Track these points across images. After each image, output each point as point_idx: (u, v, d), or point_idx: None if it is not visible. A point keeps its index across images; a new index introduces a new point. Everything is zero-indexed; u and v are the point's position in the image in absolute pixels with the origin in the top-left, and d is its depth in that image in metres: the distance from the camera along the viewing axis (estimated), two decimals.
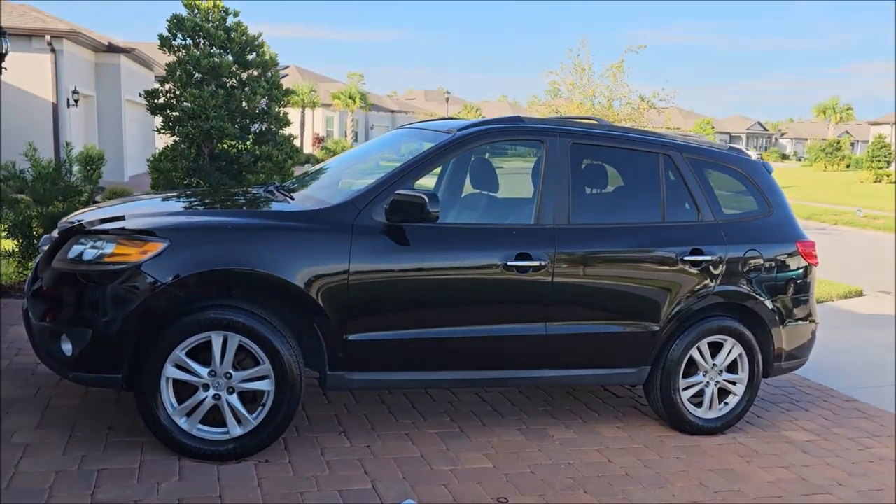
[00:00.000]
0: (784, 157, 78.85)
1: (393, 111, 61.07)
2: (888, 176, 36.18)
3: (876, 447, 4.50)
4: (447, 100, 53.46)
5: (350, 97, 49.25)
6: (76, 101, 17.28)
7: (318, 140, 45.57)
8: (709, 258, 4.25)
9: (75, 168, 6.60)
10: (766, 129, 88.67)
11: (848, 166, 48.06)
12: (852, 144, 67.52)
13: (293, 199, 4.09)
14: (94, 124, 19.60)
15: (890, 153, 38.74)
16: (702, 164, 4.46)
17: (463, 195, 4.89)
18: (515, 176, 5.74)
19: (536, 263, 3.88)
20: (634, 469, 3.88)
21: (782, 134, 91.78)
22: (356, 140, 52.30)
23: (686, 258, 4.21)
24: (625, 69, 13.80)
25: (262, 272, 3.43)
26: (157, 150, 7.43)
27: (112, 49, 19.66)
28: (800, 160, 71.90)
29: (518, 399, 4.77)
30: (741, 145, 78.87)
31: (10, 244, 6.63)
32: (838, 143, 51.71)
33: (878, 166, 37.76)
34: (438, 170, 4.84)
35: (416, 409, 4.43)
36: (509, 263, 3.84)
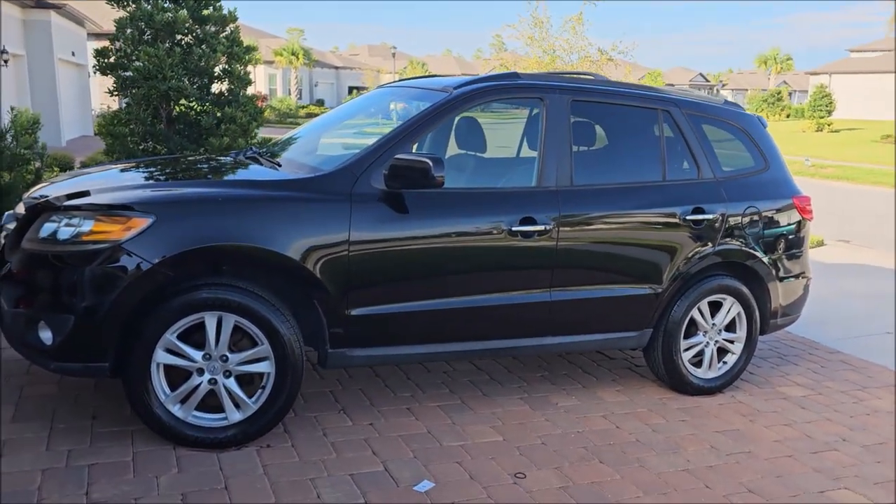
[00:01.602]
0: None
1: (337, 67, 59.62)
2: (829, 125, 37.08)
3: (869, 399, 4.54)
4: (394, 55, 52.40)
5: (293, 53, 47.84)
6: (5, 62, 16.20)
7: (263, 99, 44.25)
8: (710, 217, 4.16)
9: (10, 136, 6.09)
10: (707, 81, 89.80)
11: (788, 116, 49.11)
12: (790, 94, 68.95)
13: (280, 165, 3.82)
14: (26, 86, 18.45)
15: (831, 102, 39.63)
16: (699, 119, 4.33)
17: (448, 156, 4.66)
18: (490, 132, 5.52)
19: (541, 228, 3.72)
20: (644, 435, 3.81)
21: (723, 85, 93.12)
22: (300, 98, 50.97)
23: (688, 217, 4.10)
24: (584, 22, 13.55)
25: (257, 247, 3.17)
26: (95, 113, 6.94)
27: (41, 4, 18.44)
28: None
29: (514, 366, 4.65)
30: None
31: None
32: (779, 93, 52.71)
33: (819, 115, 38.61)
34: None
35: (411, 381, 4.28)
36: (514, 228, 3.67)
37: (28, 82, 18.51)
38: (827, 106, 39.38)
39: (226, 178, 3.86)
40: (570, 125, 3.94)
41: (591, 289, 3.95)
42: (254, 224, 3.18)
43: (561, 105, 3.93)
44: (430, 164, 3.32)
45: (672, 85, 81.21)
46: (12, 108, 5.85)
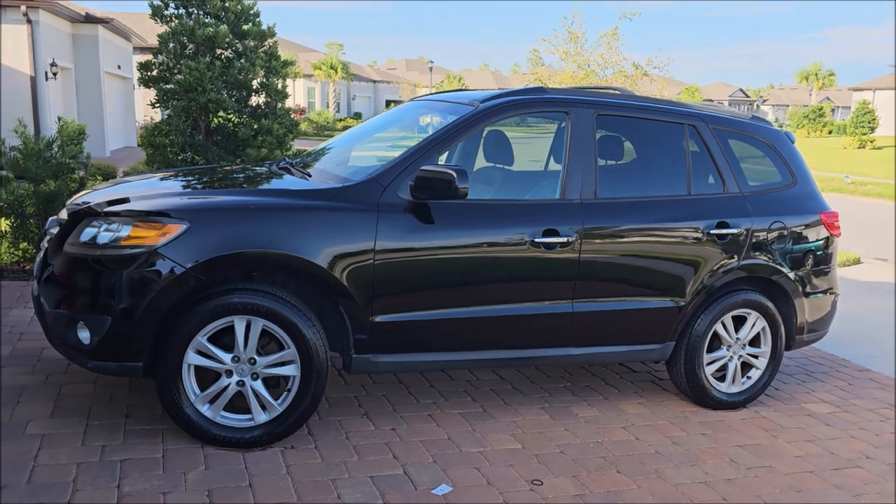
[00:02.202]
0: None
1: (375, 81, 60.34)
2: (871, 142, 36.37)
3: None
4: (430, 69, 52.83)
5: (331, 67, 48.57)
6: (55, 74, 16.79)
7: (301, 112, 44.96)
8: (734, 231, 4.17)
9: (56, 145, 6.34)
10: (748, 96, 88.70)
11: (830, 132, 48.27)
12: (833, 110, 67.76)
13: (310, 176, 3.94)
14: (73, 98, 19.10)
15: (874, 119, 38.88)
16: (726, 134, 4.36)
17: (476, 168, 4.76)
18: (518, 146, 5.60)
19: (564, 240, 3.78)
20: (663, 447, 3.83)
21: (764, 101, 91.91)
22: (338, 111, 51.69)
23: (712, 231, 4.12)
24: (619, 37, 13.59)
25: (286, 254, 3.29)
26: (139, 125, 7.20)
27: (90, 19, 19.10)
28: (781, 126, 72.08)
29: (537, 376, 4.70)
30: None
31: (2, 224, 6.42)
32: (821, 109, 51.85)
33: (861, 132, 37.90)
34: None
35: (434, 389, 4.35)
36: (536, 240, 3.73)
37: (75, 94, 19.15)
38: (870, 122, 38.64)
39: (258, 187, 4.00)
40: (595, 139, 4.00)
41: (614, 301, 3.99)
42: (283, 232, 3.30)
43: (586, 119, 4.00)
44: (455, 175, 3.41)
45: (711, 101, 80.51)
46: (59, 119, 6.09)
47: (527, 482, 3.33)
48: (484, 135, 4.67)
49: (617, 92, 4.51)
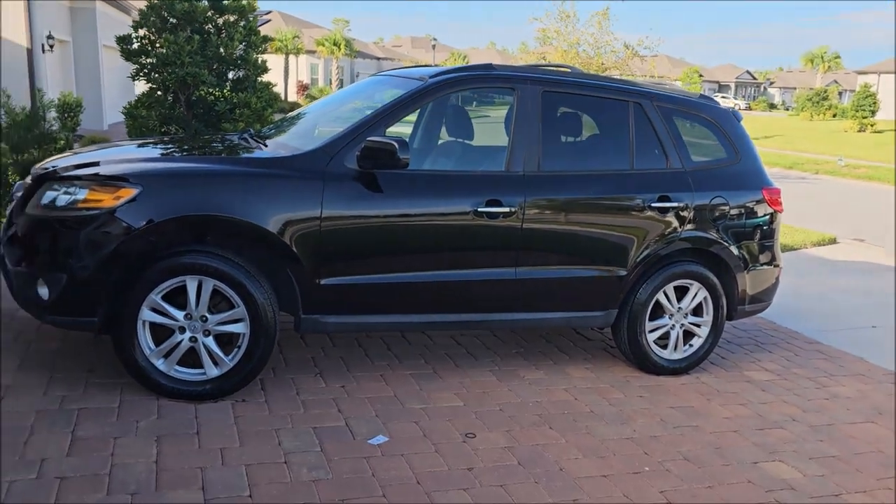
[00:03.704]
0: (772, 106, 78.67)
1: (379, 58, 60.15)
2: (872, 125, 36.28)
3: (832, 386, 4.69)
4: (434, 47, 52.68)
5: (335, 44, 48.37)
6: (51, 47, 16.90)
7: (303, 88, 44.94)
8: (676, 205, 4.35)
9: (51, 115, 6.56)
10: (754, 79, 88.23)
11: (834, 116, 48.06)
12: (840, 94, 67.34)
13: (266, 146, 4.13)
14: (71, 71, 19.22)
15: (875, 102, 38.73)
16: (671, 112, 4.52)
17: (439, 143, 4.94)
18: (496, 124, 5.77)
19: (506, 209, 3.96)
20: (599, 407, 4.04)
21: (771, 83, 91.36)
22: (341, 87, 51.60)
23: (653, 205, 4.30)
24: (610, 17, 13.66)
25: (234, 218, 3.49)
26: (135, 98, 7.37)
27: None
28: (787, 110, 71.76)
29: (492, 342, 4.91)
30: (730, 94, 78.55)
31: None
32: (825, 92, 51.57)
33: (862, 115, 37.77)
34: (414, 118, 4.87)
35: (391, 352, 4.56)
36: (479, 209, 3.92)
37: (73, 67, 19.27)
38: (870, 106, 38.49)
39: (215, 155, 4.19)
40: (541, 115, 4.17)
41: (556, 268, 4.18)
42: (230, 197, 3.50)
43: (532, 95, 4.17)
44: (397, 146, 3.60)
45: (717, 82, 79.91)
46: (39, 90, 6.28)
47: (461, 435, 3.55)
48: (446, 111, 4.85)
49: (567, 70, 4.67)
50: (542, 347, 4.91)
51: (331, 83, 50.00)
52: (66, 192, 3.45)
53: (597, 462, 3.43)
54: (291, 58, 45.67)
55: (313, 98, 39.29)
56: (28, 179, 3.81)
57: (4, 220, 3.82)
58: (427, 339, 4.84)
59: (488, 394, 4.08)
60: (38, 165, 4.02)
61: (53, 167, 3.78)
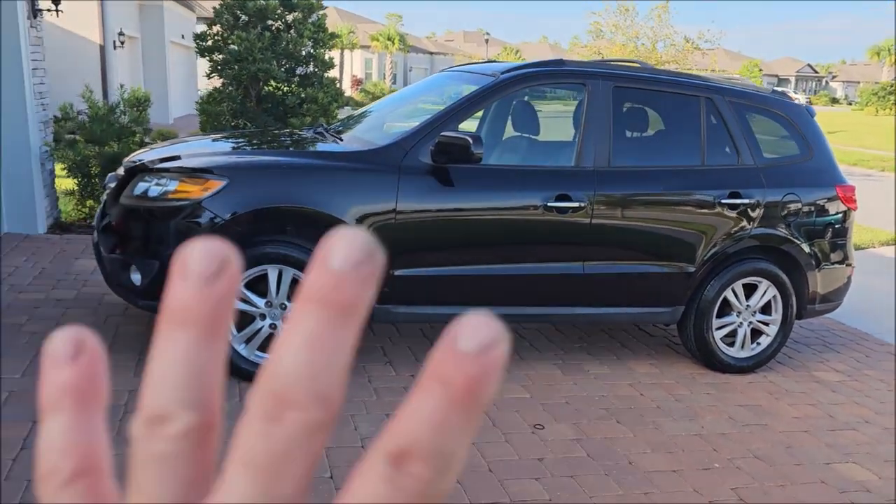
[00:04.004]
0: (834, 100, 76.21)
1: (432, 53, 60.38)
2: None
3: None
4: (486, 41, 52.60)
5: (389, 39, 48.79)
6: (122, 43, 17.51)
7: (357, 82, 45.42)
8: (746, 201, 4.33)
9: (119, 109, 6.83)
10: (816, 72, 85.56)
11: None
12: None
13: (341, 140, 4.26)
14: (139, 66, 19.88)
15: None
16: (744, 107, 4.49)
17: (504, 138, 5.00)
18: (554, 119, 5.81)
19: (576, 204, 4.01)
20: (666, 403, 4.06)
21: (833, 77, 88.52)
22: (394, 82, 52.03)
23: (723, 201, 4.29)
24: (670, 10, 13.47)
25: (313, 210, 3.62)
26: (201, 93, 7.63)
27: None
28: (850, 104, 69.47)
29: (555, 336, 4.96)
30: (789, 88, 76.40)
31: (69, 183, 6.95)
32: (892, 86, 49.73)
33: None
34: (480, 113, 4.94)
35: None
36: (549, 204, 3.97)
37: (141, 63, 19.92)
38: None
39: (292, 149, 4.34)
40: (611, 110, 4.20)
41: (623, 264, 4.21)
42: (310, 189, 3.63)
43: (603, 91, 4.20)
44: (471, 141, 3.68)
45: (776, 76, 77.82)
46: (122, 86, 6.55)
47: (529, 426, 3.62)
48: (513, 107, 4.91)
49: (637, 65, 4.68)
50: (604, 342, 4.94)
51: (384, 78, 50.46)
52: (157, 184, 3.63)
53: (666, 457, 3.46)
54: (346, 52, 46.25)
55: (368, 93, 39.72)
56: (120, 171, 4.01)
57: (97, 210, 4.03)
58: None
59: (554, 387, 4.13)
60: (127, 158, 4.23)
61: (141, 160, 3.97)
